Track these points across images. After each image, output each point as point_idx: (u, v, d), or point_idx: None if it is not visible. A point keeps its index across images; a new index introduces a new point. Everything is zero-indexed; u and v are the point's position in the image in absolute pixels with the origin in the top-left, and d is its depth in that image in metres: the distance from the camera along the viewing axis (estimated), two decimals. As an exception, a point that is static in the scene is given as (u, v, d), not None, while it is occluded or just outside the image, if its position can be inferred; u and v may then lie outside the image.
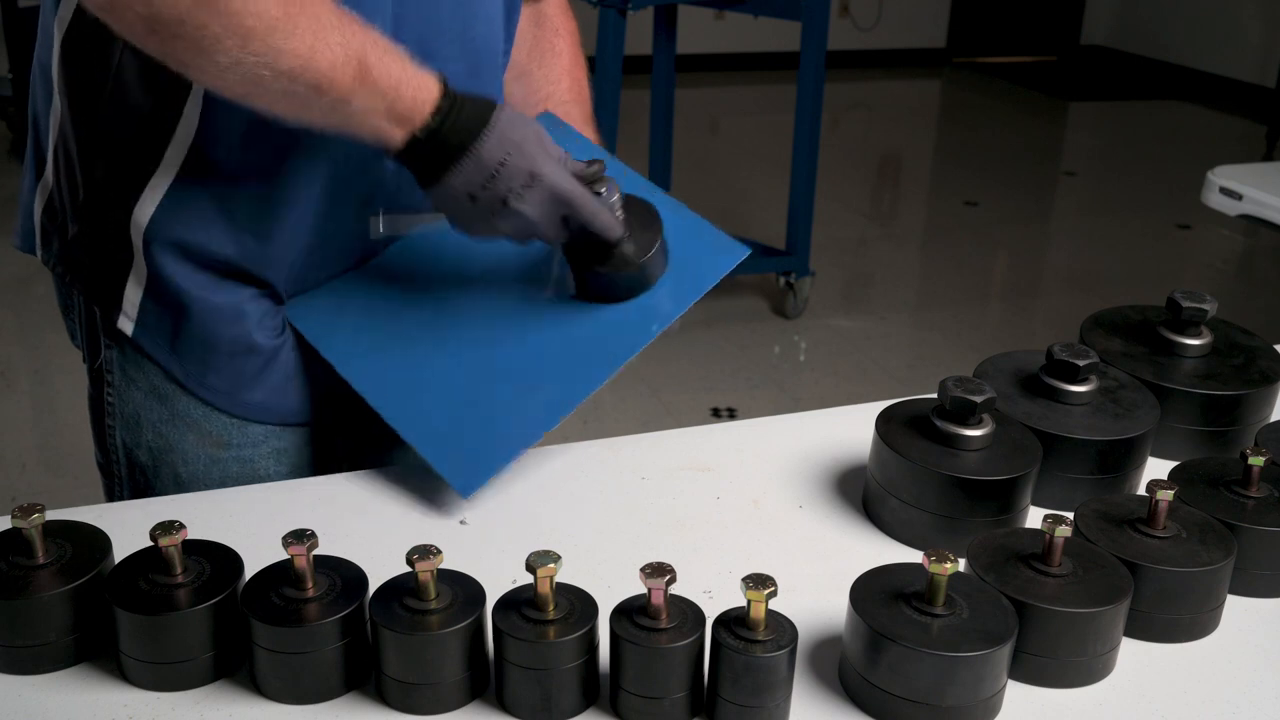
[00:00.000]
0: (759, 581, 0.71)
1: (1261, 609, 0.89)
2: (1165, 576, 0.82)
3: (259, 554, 0.79)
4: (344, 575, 0.77)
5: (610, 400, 3.23)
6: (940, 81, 7.78)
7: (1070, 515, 0.84)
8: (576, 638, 0.72)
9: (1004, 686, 0.76)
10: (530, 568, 0.72)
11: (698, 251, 1.04)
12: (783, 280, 3.82)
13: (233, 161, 0.94)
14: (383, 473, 1.02)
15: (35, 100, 1.02)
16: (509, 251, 1.03)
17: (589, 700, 0.75)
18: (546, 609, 0.73)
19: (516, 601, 0.74)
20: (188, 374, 1.01)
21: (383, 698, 0.75)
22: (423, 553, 0.72)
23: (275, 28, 0.81)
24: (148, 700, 0.74)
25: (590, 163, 0.97)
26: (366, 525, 0.94)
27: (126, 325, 1.00)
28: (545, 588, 0.72)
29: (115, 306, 1.00)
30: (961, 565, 0.80)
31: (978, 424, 0.93)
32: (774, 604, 0.72)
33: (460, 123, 0.90)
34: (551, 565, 0.72)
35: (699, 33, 6.63)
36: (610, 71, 3.42)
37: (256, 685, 0.75)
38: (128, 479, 1.07)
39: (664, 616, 0.72)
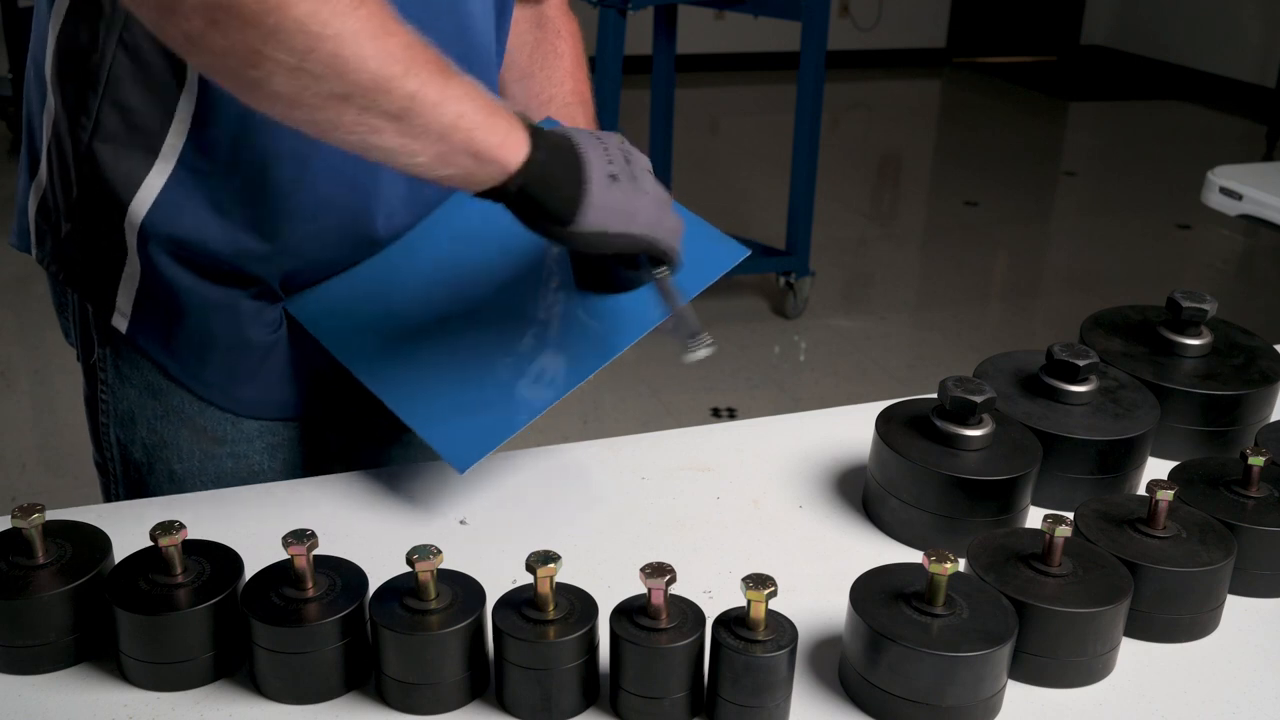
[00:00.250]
0: (759, 581, 0.71)
1: (1261, 609, 0.89)
2: (1165, 576, 0.82)
3: (259, 554, 0.79)
4: (344, 575, 0.77)
5: (610, 400, 3.23)
6: (940, 81, 7.78)
7: (1070, 515, 0.84)
8: (576, 638, 0.72)
9: (1004, 686, 0.76)
10: (530, 568, 0.72)
11: (697, 249, 1.04)
12: (783, 280, 3.82)
13: (226, 160, 0.94)
14: (383, 473, 1.02)
15: (29, 98, 1.03)
16: (508, 245, 1.02)
17: (589, 700, 0.75)
18: (546, 609, 0.73)
19: (516, 601, 0.74)
20: (182, 370, 1.02)
21: (383, 698, 0.75)
22: (423, 553, 0.72)
23: (349, 36, 0.73)
24: (148, 700, 0.74)
25: None
26: (366, 525, 0.94)
27: (120, 322, 1.00)
28: (545, 588, 0.72)
29: (109, 304, 1.00)
30: (961, 565, 0.80)
31: (978, 424, 0.93)
32: (774, 604, 0.72)
33: (542, 124, 0.85)
34: (551, 565, 0.72)
35: (699, 33, 6.62)
36: (610, 71, 3.42)
37: (256, 685, 0.75)
38: (123, 476, 1.07)
39: (664, 616, 0.72)
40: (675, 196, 1.08)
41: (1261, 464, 0.90)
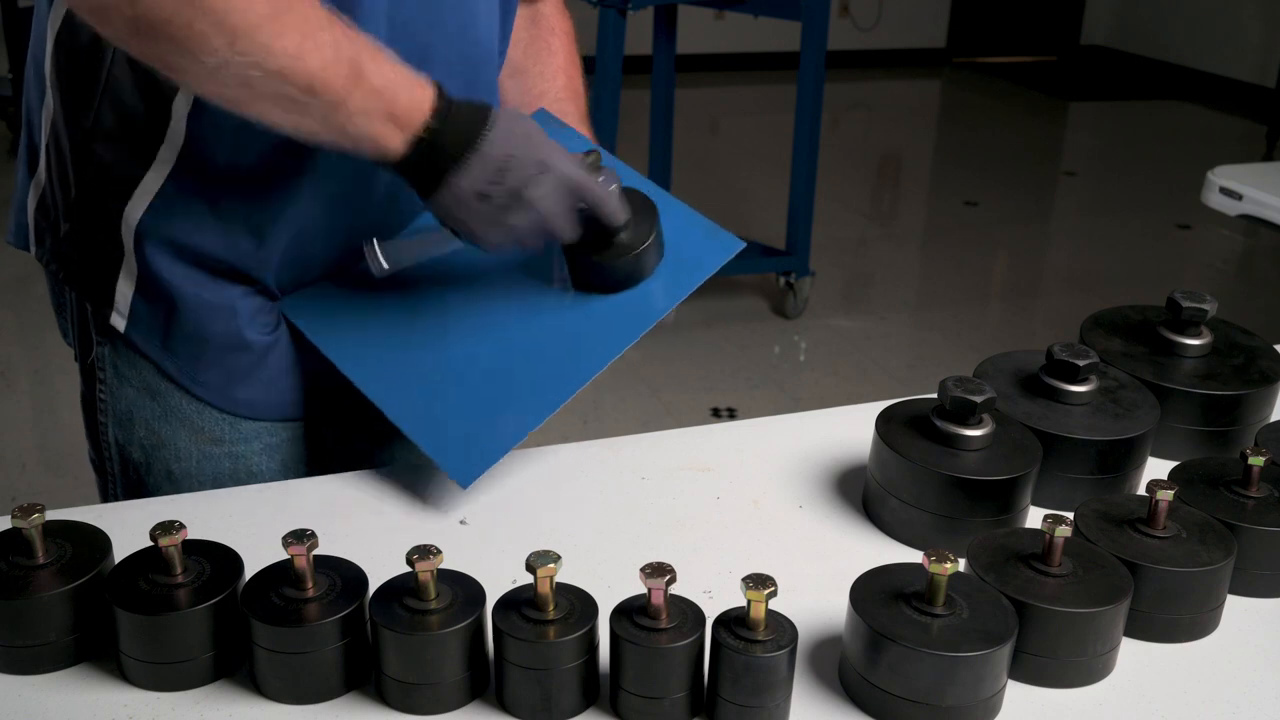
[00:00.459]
0: (759, 581, 0.71)
1: (1261, 609, 0.89)
2: (1165, 576, 0.82)
3: (259, 554, 0.79)
4: (344, 575, 0.77)
5: (610, 400, 3.23)
6: (940, 81, 7.78)
7: (1070, 515, 0.84)
8: (576, 638, 0.72)
9: (1004, 686, 0.76)
10: (530, 568, 0.72)
11: (693, 243, 1.04)
12: (783, 280, 3.82)
13: (224, 160, 0.94)
14: (383, 473, 1.02)
15: (29, 97, 1.03)
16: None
17: (589, 700, 0.75)
18: (546, 609, 0.73)
19: (516, 601, 0.74)
20: (180, 370, 1.02)
21: (383, 698, 0.75)
22: (423, 553, 0.72)
23: (262, 25, 0.80)
24: (148, 700, 0.74)
25: (587, 154, 0.97)
26: (366, 525, 0.94)
27: (118, 322, 1.00)
28: (545, 588, 0.72)
29: (107, 303, 1.00)
30: (961, 565, 0.80)
31: (978, 424, 0.93)
32: (774, 604, 0.72)
33: (461, 122, 0.89)
34: (551, 565, 0.72)
35: (699, 33, 6.62)
36: (610, 71, 3.42)
37: (256, 685, 0.75)
38: (121, 476, 1.07)
39: (664, 616, 0.72)
40: (675, 196, 1.08)
41: (1261, 464, 0.90)
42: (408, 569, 0.73)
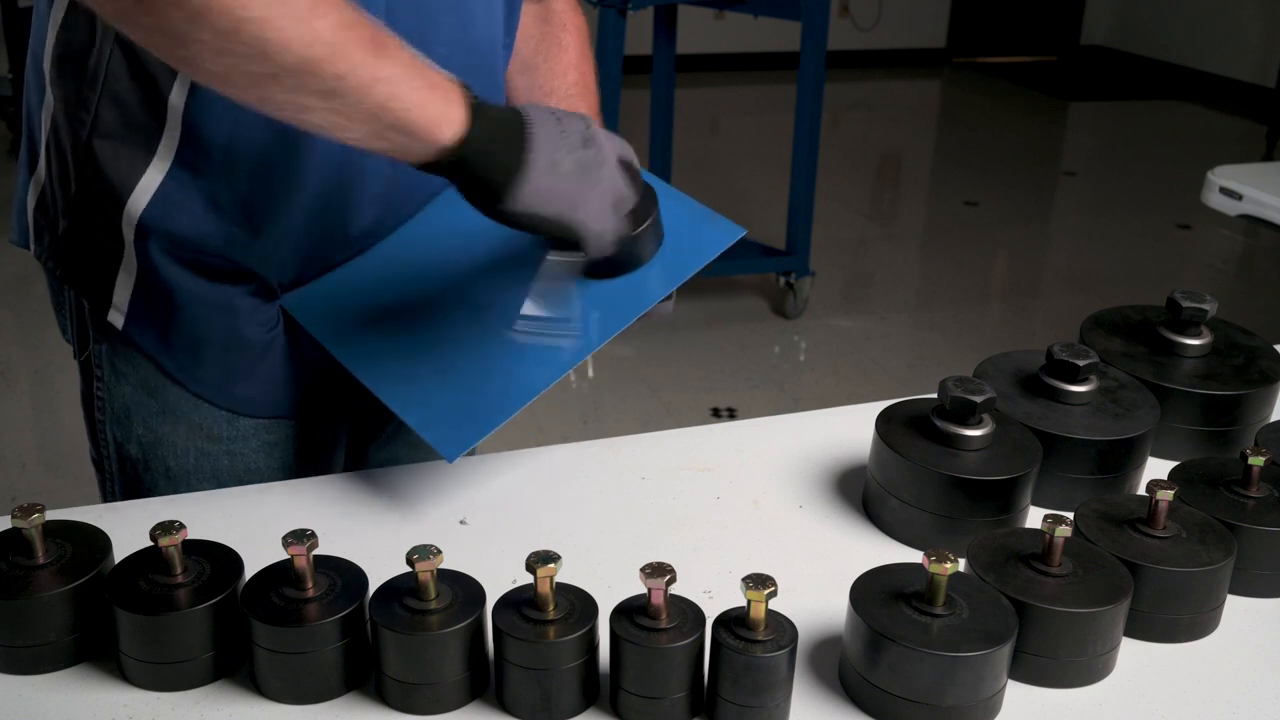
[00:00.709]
0: (759, 581, 0.71)
1: (1261, 609, 0.89)
2: (1165, 576, 0.82)
3: (259, 554, 0.79)
4: (344, 575, 0.77)
5: (610, 400, 3.23)
6: (940, 81, 7.78)
7: (1070, 515, 0.84)
8: (576, 638, 0.72)
9: (1004, 686, 0.76)
10: (530, 568, 0.72)
11: (692, 231, 1.04)
12: (783, 280, 3.82)
13: (221, 157, 0.94)
14: (383, 473, 1.02)
15: (29, 95, 1.03)
16: (500, 235, 1.02)
17: (589, 700, 0.75)
18: (546, 609, 0.73)
19: (516, 601, 0.74)
20: (178, 368, 1.02)
21: (383, 698, 0.75)
22: (423, 553, 0.72)
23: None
24: (148, 700, 0.74)
25: None
26: (366, 525, 0.94)
27: (117, 319, 1.00)
28: (545, 588, 0.72)
29: (105, 300, 1.00)
30: (961, 565, 0.80)
31: (978, 424, 0.93)
32: (774, 604, 0.72)
33: (491, 106, 0.84)
34: (551, 565, 0.72)
35: (699, 33, 6.62)
36: (610, 71, 3.42)
37: (256, 685, 0.75)
38: (119, 473, 1.07)
39: (664, 616, 0.72)
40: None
41: (1261, 464, 0.90)
42: (408, 569, 0.73)
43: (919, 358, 3.66)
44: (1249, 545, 0.88)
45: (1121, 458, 0.98)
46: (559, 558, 0.72)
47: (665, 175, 3.96)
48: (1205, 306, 1.10)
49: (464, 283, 1.04)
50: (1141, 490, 0.99)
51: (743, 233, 1.03)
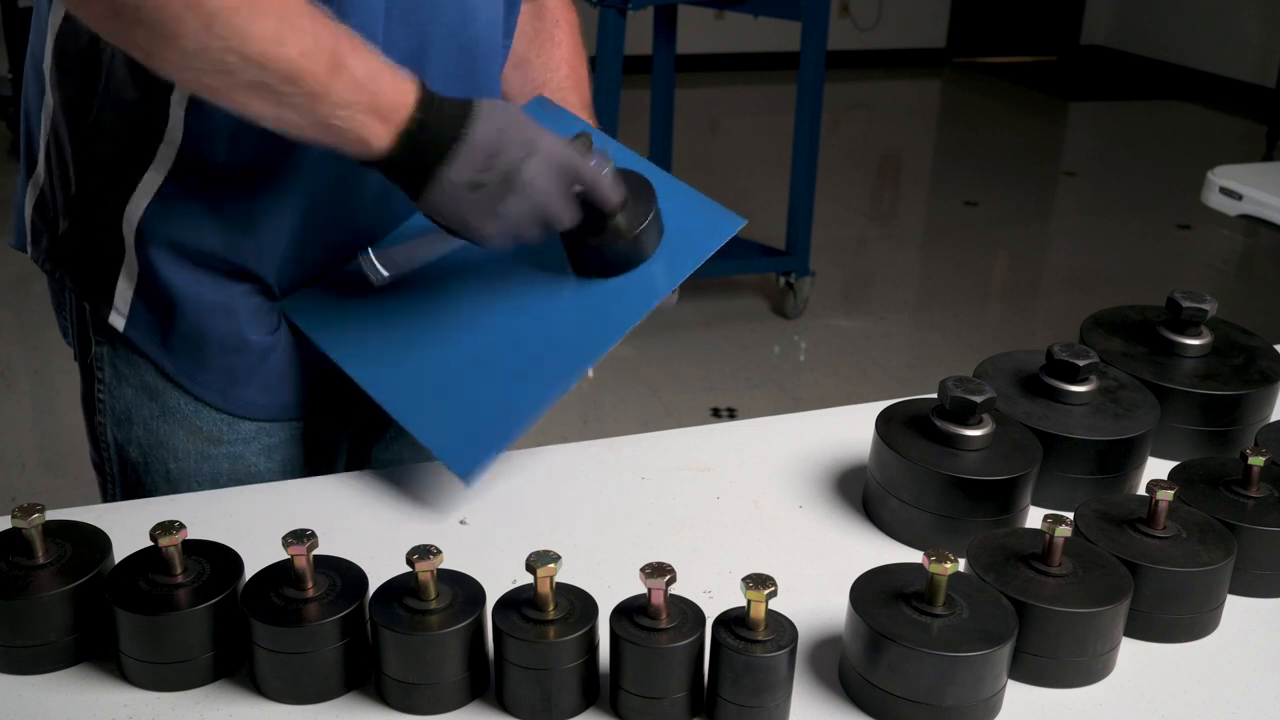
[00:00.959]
0: (759, 581, 0.71)
1: (1261, 609, 0.89)
2: (1165, 576, 0.82)
3: (259, 554, 0.79)
4: (344, 575, 0.77)
5: (610, 400, 3.23)
6: (940, 81, 7.78)
7: (1070, 515, 0.84)
8: (576, 638, 0.72)
9: (1004, 686, 0.76)
10: (530, 568, 0.72)
11: (693, 223, 1.03)
12: (783, 280, 3.82)
13: (222, 158, 0.94)
14: (383, 473, 1.02)
15: (28, 96, 1.03)
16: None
17: (589, 700, 0.75)
18: (546, 609, 0.73)
19: (516, 601, 0.74)
20: (179, 370, 1.01)
21: (383, 698, 0.75)
22: (423, 553, 0.72)
23: (239, 8, 0.79)
24: (148, 700, 0.74)
25: (577, 136, 0.96)
26: (366, 525, 0.94)
27: (118, 321, 1.00)
28: (545, 588, 0.72)
29: (106, 302, 1.00)
30: (961, 565, 0.80)
31: (978, 424, 0.93)
32: (774, 604, 0.72)
33: (445, 113, 0.87)
34: (551, 565, 0.72)
35: (699, 33, 6.62)
36: (610, 71, 3.42)
37: (256, 685, 0.75)
38: (119, 476, 1.07)
39: (664, 616, 0.72)
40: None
41: (1261, 464, 0.90)
42: (408, 569, 0.73)
43: (919, 358, 3.66)
44: (1249, 545, 0.88)
45: (1121, 458, 0.98)
46: (559, 558, 0.72)
47: (665, 175, 3.95)
48: (1205, 306, 1.10)
49: (468, 288, 1.04)
50: (1141, 490, 0.99)
51: (743, 223, 1.03)
